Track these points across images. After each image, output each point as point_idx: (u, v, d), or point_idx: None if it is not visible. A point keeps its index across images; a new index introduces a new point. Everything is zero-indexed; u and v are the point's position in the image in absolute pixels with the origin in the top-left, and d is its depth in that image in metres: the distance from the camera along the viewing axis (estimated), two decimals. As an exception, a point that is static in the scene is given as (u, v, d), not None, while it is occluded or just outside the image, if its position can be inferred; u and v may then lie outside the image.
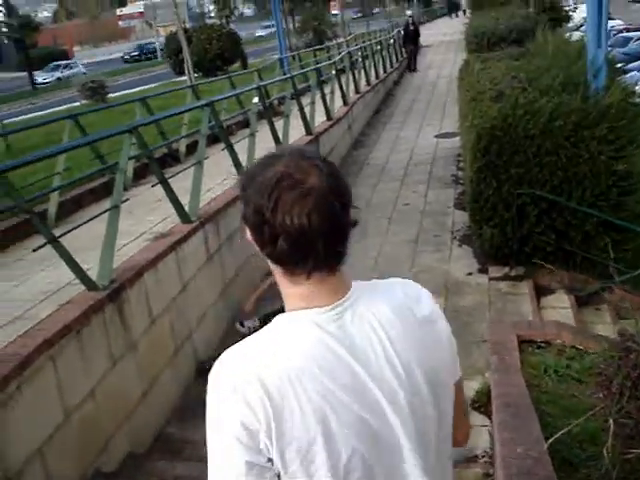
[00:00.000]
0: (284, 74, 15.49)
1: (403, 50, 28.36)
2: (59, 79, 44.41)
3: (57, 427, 4.60)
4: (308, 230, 1.38)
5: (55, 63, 49.45)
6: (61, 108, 20.00)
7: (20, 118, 20.80)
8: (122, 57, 61.64)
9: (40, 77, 44.88)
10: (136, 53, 62.00)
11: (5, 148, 11.52)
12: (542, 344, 4.84)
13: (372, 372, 1.44)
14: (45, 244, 4.81)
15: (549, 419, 3.78)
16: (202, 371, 6.49)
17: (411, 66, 27.22)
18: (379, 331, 1.47)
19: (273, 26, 28.52)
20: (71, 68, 47.36)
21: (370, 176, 12.72)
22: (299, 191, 1.39)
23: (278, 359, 1.41)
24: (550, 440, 3.33)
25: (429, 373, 1.50)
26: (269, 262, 1.48)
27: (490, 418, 4.50)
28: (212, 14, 73.85)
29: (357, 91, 17.41)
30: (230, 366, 1.45)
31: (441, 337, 1.57)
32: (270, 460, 1.39)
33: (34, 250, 4.89)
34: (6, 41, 54.43)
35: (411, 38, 27.21)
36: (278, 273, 1.48)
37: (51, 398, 4.58)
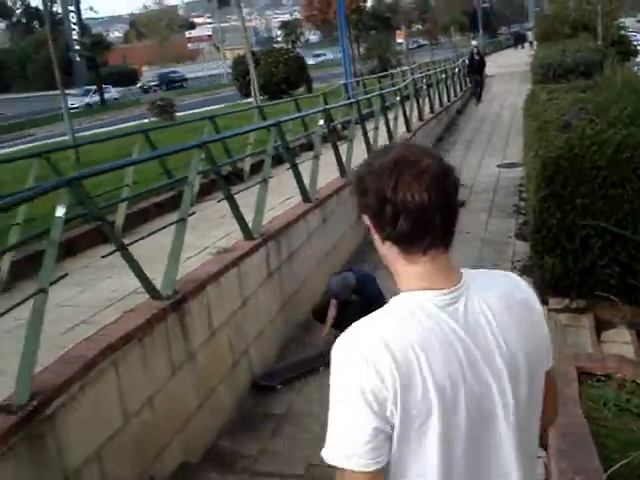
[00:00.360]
0: (349, 99, 15.63)
1: (467, 80, 28.25)
2: (88, 105, 44.80)
3: (116, 431, 4.70)
4: (427, 206, 1.50)
5: (86, 88, 49.97)
6: (129, 124, 20.52)
7: (89, 132, 21.38)
8: (141, 87, 57.81)
9: (71, 101, 45.87)
10: (155, 82, 58.05)
11: (75, 160, 11.86)
12: (602, 377, 4.76)
13: (483, 352, 1.55)
14: (114, 251, 4.95)
15: (607, 452, 3.73)
16: (256, 386, 6.56)
17: (476, 96, 26.85)
18: (487, 314, 1.59)
19: (325, 55, 28.89)
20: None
21: (430, 203, 12.67)
22: (417, 169, 1.51)
23: (404, 332, 1.51)
24: (609, 472, 3.29)
25: (528, 356, 1.61)
26: (386, 246, 1.59)
27: (545, 449, 4.44)
28: (279, 39, 74.92)
29: (420, 118, 17.45)
30: (360, 337, 1.54)
31: (539, 322, 1.69)
32: (392, 427, 1.48)
33: (103, 256, 5.04)
34: (78, 59, 56.09)
35: (476, 68, 26.75)
36: (393, 254, 1.59)
37: (112, 402, 4.70)
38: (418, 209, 1.49)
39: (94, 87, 48.54)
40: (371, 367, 1.48)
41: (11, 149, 20.87)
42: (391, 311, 1.58)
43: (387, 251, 1.60)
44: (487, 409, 1.56)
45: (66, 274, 4.68)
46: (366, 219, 1.60)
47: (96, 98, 45.27)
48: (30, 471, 3.95)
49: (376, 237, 1.61)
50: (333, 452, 1.50)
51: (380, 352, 1.49)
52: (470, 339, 1.55)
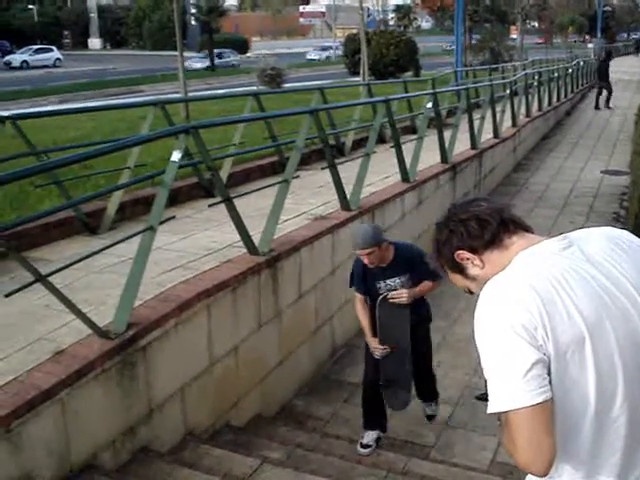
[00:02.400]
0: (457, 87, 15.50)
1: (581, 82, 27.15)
2: (209, 67, 45.23)
3: (201, 372, 4.91)
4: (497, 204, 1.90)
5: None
6: (238, 89, 20.86)
7: (199, 94, 21.83)
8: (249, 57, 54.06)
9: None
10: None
11: (185, 118, 12.19)
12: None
13: (614, 282, 1.67)
14: (220, 202, 5.13)
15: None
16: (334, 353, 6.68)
17: (599, 102, 24.86)
18: (602, 252, 1.71)
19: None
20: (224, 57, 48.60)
21: (527, 201, 12.52)
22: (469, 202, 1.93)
23: (541, 270, 1.64)
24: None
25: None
26: (486, 260, 1.81)
27: None
28: (391, 22, 74.36)
29: (528, 115, 17.14)
30: (504, 283, 1.66)
31: None
32: (547, 356, 1.58)
33: (210, 205, 5.23)
34: (193, 22, 57.11)
35: (603, 73, 25.01)
36: (494, 258, 1.80)
37: (200, 344, 4.90)
38: (487, 211, 1.81)
39: (217, 51, 48.73)
40: (520, 306, 1.59)
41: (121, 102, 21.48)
42: (520, 263, 1.71)
43: (488, 263, 1.81)
44: (633, 336, 1.64)
45: (174, 216, 4.90)
46: (462, 257, 1.83)
47: (207, 63, 45.92)
48: (119, 395, 4.17)
49: (475, 267, 1.83)
50: (498, 400, 1.58)
51: (524, 291, 1.60)
52: (597, 271, 1.66)
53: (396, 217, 8.19)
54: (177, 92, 16.56)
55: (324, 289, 6.54)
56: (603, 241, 1.76)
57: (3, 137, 6.23)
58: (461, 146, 11.27)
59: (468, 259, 1.82)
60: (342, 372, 6.49)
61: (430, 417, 5.52)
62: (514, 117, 15.31)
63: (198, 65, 45.32)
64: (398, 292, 4.75)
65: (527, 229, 1.82)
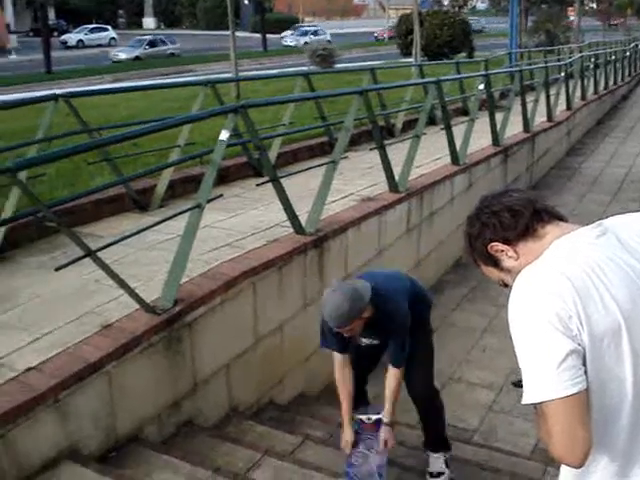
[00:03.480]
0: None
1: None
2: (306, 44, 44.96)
3: (246, 349, 4.96)
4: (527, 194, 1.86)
5: (304, 28, 50.46)
6: (288, 70, 20.86)
7: (250, 73, 21.90)
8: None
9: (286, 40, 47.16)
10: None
11: (235, 97, 12.25)
12: None
13: None
14: (268, 181, 5.16)
15: None
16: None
17: None
18: (637, 238, 1.67)
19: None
20: (318, 35, 48.44)
21: (580, 185, 12.31)
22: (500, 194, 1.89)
23: (575, 259, 1.61)
24: None
25: None
26: (521, 250, 1.77)
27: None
28: (445, 2, 73.35)
29: (583, 98, 16.80)
30: (538, 273, 1.63)
31: None
32: (582, 346, 1.55)
33: (258, 185, 5.25)
34: (246, 1, 57.16)
35: None
36: (527, 249, 1.76)
37: (246, 321, 4.95)
38: (519, 202, 1.78)
39: (314, 28, 49.70)
40: (551, 295, 1.56)
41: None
42: (552, 252, 1.67)
43: (522, 254, 1.77)
44: None
45: (221, 195, 4.93)
46: (496, 249, 1.80)
47: (315, 38, 45.70)
48: (164, 369, 4.24)
49: (509, 259, 1.79)
50: (532, 391, 1.57)
51: (560, 281, 1.57)
52: (633, 259, 1.62)
53: (445, 200, 8.12)
54: (229, 72, 16.61)
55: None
56: (638, 227, 1.72)
57: (57, 115, 6.33)
58: (513, 129, 11.11)
59: (502, 251, 1.79)
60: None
61: (431, 475, 4.14)
62: (569, 100, 15.02)
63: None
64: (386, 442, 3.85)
65: (561, 218, 1.79)
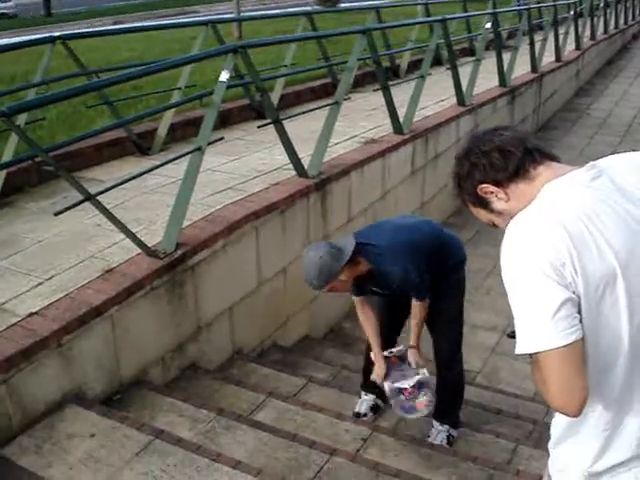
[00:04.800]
0: (518, 7, 14.92)
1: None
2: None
3: (249, 293, 4.96)
4: (516, 135, 1.75)
5: None
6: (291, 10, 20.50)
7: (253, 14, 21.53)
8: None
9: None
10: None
11: (237, 38, 12.07)
12: None
13: None
14: (269, 123, 5.08)
15: None
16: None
17: None
18: (635, 182, 1.60)
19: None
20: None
21: (588, 127, 12.16)
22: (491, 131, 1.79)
23: (569, 204, 1.54)
24: None
25: None
26: (511, 192, 1.70)
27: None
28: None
29: (592, 37, 16.46)
30: (530, 220, 1.57)
31: None
32: (577, 294, 1.50)
33: (259, 127, 5.17)
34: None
35: None
36: (518, 191, 1.69)
37: (249, 264, 4.93)
38: (510, 141, 1.69)
39: None
40: (544, 243, 1.50)
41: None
42: (545, 197, 1.60)
43: (513, 196, 1.69)
44: None
45: (222, 137, 4.85)
46: (486, 191, 1.72)
47: None
48: (168, 314, 4.24)
49: (500, 201, 1.72)
50: (526, 341, 1.52)
51: (551, 228, 1.51)
52: (629, 202, 1.56)
53: (451, 141, 8.02)
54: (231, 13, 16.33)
55: (374, 213, 6.48)
56: (633, 167, 1.65)
57: (57, 58, 6.24)
58: (521, 69, 10.92)
59: (492, 193, 1.72)
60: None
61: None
62: (578, 40, 14.73)
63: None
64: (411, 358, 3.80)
65: (553, 158, 1.70)
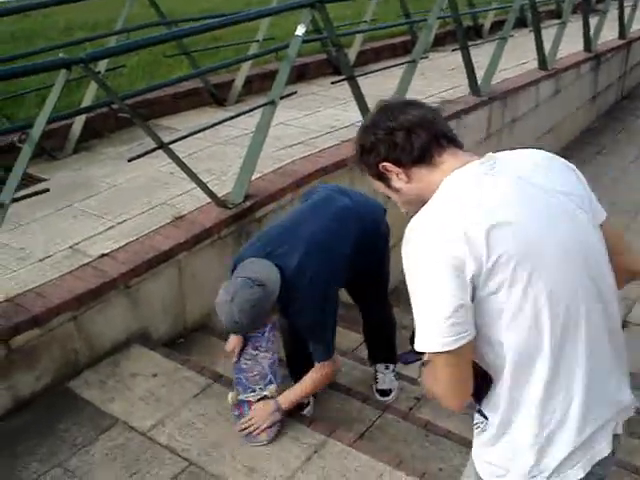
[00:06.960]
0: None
1: None
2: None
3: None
4: (423, 119, 1.67)
5: None
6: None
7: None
8: None
9: None
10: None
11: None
12: None
13: (546, 190, 1.59)
14: (343, 79, 5.07)
15: None
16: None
17: None
18: (528, 166, 1.64)
19: None
20: None
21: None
22: (401, 104, 1.75)
23: (470, 198, 1.53)
24: None
25: (576, 200, 1.63)
26: (412, 175, 1.66)
27: None
28: None
29: (689, 3, 15.69)
30: (431, 217, 1.54)
31: (580, 180, 1.71)
32: (477, 292, 1.49)
33: (333, 82, 5.17)
34: None
35: None
36: (420, 175, 1.65)
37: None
38: (418, 122, 1.63)
39: None
40: (445, 242, 1.47)
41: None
42: (446, 192, 1.57)
43: (414, 178, 1.66)
44: (581, 240, 1.59)
45: (295, 92, 4.87)
46: (387, 169, 1.67)
47: None
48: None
49: (399, 181, 1.67)
50: (420, 340, 1.53)
51: (451, 225, 1.48)
52: (528, 184, 1.57)
53: (529, 106, 7.84)
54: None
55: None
56: (528, 159, 1.67)
57: (139, 6, 6.33)
58: (608, 35, 10.52)
59: (392, 171, 1.68)
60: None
61: (383, 393, 3.73)
62: (674, 4, 14.06)
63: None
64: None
65: (459, 145, 1.69)
